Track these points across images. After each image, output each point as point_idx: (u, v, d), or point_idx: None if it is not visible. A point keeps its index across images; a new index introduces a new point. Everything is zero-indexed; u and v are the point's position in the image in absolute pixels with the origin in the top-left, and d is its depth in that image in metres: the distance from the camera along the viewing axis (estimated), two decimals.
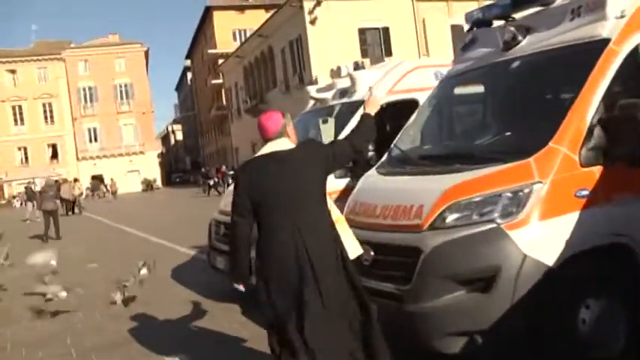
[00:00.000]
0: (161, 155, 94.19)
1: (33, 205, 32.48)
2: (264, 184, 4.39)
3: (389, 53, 39.42)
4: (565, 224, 4.77)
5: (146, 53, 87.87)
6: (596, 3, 5.33)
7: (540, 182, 4.81)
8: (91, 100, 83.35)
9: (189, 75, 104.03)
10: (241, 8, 70.09)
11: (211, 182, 47.23)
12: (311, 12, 40.73)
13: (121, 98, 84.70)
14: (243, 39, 63.13)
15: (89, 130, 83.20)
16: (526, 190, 4.82)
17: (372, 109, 5.01)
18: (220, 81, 70.93)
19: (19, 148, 79.79)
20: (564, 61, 5.53)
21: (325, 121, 8.92)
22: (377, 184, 6.29)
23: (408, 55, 31.13)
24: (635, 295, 4.94)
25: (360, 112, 5.38)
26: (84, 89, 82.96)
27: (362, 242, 5.40)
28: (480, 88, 6.96)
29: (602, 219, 4.84)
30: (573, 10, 5.55)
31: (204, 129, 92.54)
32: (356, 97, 8.65)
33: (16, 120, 79.82)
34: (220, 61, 67.61)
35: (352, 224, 5.83)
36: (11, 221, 37.02)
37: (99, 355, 7.28)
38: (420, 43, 42.77)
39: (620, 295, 4.93)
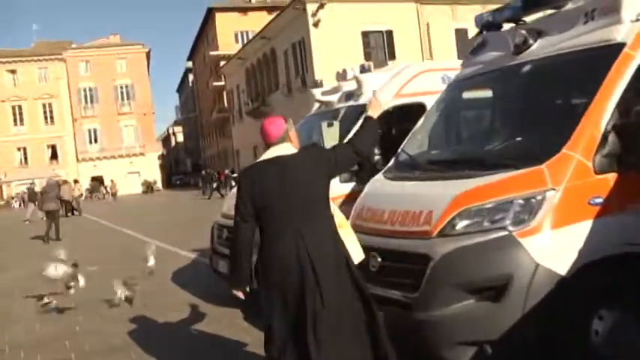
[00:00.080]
0: (162, 157, 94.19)
1: (35, 206, 32.29)
2: (266, 189, 4.38)
3: (392, 57, 39.31)
4: (578, 233, 4.66)
5: (147, 54, 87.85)
6: (610, 6, 5.20)
7: (553, 189, 4.71)
8: (92, 101, 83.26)
9: (191, 77, 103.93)
10: (244, 10, 70.04)
11: (214, 185, 47.02)
12: (314, 14, 40.58)
13: (122, 99, 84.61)
14: (245, 41, 63.08)
15: (89, 131, 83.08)
16: (538, 197, 4.71)
17: (375, 113, 4.94)
18: (222, 83, 70.87)
19: (19, 149, 79.62)
20: (578, 66, 5.40)
21: (330, 125, 8.81)
22: (384, 189, 6.19)
23: (412, 59, 30.97)
24: None
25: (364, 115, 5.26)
26: (84, 90, 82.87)
27: (369, 248, 5.35)
28: (489, 93, 6.86)
29: (615, 228, 4.73)
30: (587, 13, 5.43)
31: (205, 131, 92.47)
32: (362, 101, 8.52)
33: (15, 120, 79.67)
34: (222, 63, 67.54)
35: (359, 229, 5.77)
36: (11, 222, 37.06)
37: (98, 358, 7.19)
38: (423, 46, 42.65)
39: (633, 306, 4.81)
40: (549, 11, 5.98)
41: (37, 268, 9.91)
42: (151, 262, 9.83)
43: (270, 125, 4.55)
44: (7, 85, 78.77)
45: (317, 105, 9.99)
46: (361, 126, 4.92)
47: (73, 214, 37.02)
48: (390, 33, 42.20)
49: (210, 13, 72.65)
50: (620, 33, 5.07)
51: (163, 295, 10.14)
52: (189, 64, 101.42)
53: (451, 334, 4.72)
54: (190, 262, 13.49)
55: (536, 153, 5.00)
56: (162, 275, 11.71)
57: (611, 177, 4.81)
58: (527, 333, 4.51)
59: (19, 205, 65.83)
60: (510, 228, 4.69)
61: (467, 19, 41.25)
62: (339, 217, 4.81)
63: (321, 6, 40.32)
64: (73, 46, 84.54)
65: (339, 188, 7.69)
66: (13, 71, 79.40)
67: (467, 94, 6.97)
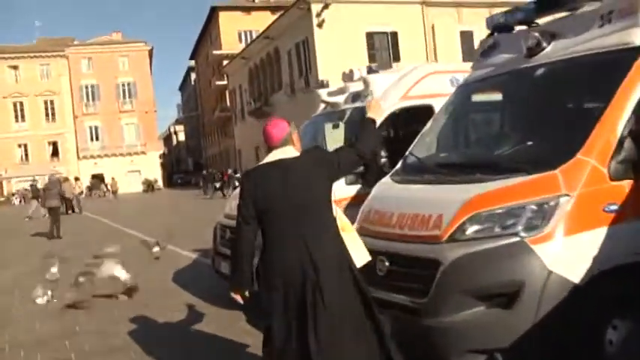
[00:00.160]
0: (163, 156, 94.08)
1: (38, 203, 32.25)
2: (268, 193, 4.37)
3: (397, 58, 39.15)
4: (592, 240, 4.57)
5: (150, 52, 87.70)
6: (628, 9, 5.10)
7: (567, 195, 4.61)
8: (93, 99, 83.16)
9: (193, 75, 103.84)
10: (247, 9, 69.95)
11: (218, 184, 46.91)
12: (319, 14, 40.42)
13: (124, 97, 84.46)
14: (248, 40, 62.94)
15: (90, 128, 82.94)
16: (552, 203, 4.62)
17: (375, 114, 4.91)
18: (224, 82, 70.75)
19: (20, 145, 79.40)
20: (593, 69, 5.29)
21: (336, 126, 8.73)
22: (393, 192, 6.07)
23: (416, 61, 30.96)
24: None
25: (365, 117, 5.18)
26: (86, 87, 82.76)
27: (377, 252, 5.30)
28: (500, 95, 6.74)
29: (630, 236, 4.63)
30: (603, 16, 5.33)
31: (207, 130, 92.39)
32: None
33: (17, 116, 79.45)
34: (225, 62, 67.43)
35: (366, 233, 5.71)
36: (11, 219, 37.00)
37: (98, 358, 7.13)
38: (428, 48, 42.54)
39: None
40: (563, 14, 5.89)
41: (38, 266, 9.83)
42: (157, 248, 9.94)
43: (274, 128, 4.54)
44: (9, 81, 78.65)
45: (322, 106, 9.87)
46: (362, 128, 4.89)
47: (73, 211, 36.91)
48: (394, 34, 42.02)
49: (213, 12, 72.52)
50: (637, 36, 4.97)
51: (164, 295, 10.05)
52: (192, 62, 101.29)
53: (461, 342, 4.62)
54: (192, 263, 13.38)
55: (550, 158, 4.89)
56: (163, 275, 11.66)
57: (627, 184, 4.71)
58: (539, 341, 4.41)
59: (20, 201, 65.81)
60: (522, 234, 4.60)
61: (472, 21, 41.63)
62: (342, 221, 4.77)
63: (326, 6, 40.14)
64: (75, 42, 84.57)
65: (344, 190, 7.63)
66: (14, 67, 79.28)
67: (477, 97, 6.87)
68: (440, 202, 5.20)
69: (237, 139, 65.25)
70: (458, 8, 42.87)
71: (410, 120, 8.29)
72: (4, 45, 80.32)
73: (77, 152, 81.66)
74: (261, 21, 59.90)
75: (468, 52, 38.52)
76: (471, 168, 5.60)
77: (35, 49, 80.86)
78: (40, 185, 37.18)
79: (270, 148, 4.55)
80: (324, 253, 4.28)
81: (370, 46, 41.59)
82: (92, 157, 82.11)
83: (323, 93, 9.75)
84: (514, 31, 6.40)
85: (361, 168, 7.75)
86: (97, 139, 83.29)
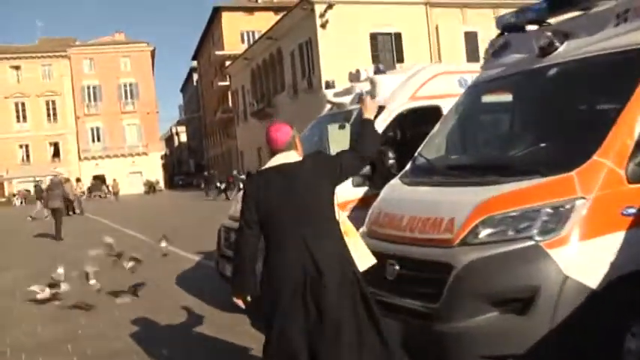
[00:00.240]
0: (164, 157, 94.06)
1: (41, 204, 32.21)
2: (272, 198, 4.35)
3: (400, 59, 39.12)
4: (609, 244, 4.46)
5: (152, 53, 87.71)
6: None
7: (583, 198, 4.50)
8: (95, 99, 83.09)
9: (195, 76, 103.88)
10: (250, 10, 69.97)
11: (223, 186, 46.86)
12: (322, 15, 40.39)
13: (126, 98, 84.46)
14: (251, 41, 63.01)
15: (92, 129, 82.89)
16: (567, 206, 4.51)
17: (371, 114, 4.86)
18: (227, 83, 70.78)
19: (21, 146, 79.44)
20: (609, 69, 5.17)
21: (342, 127, 8.61)
22: (402, 194, 5.96)
23: (420, 62, 31.01)
24: None
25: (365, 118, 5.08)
26: (88, 88, 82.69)
27: (386, 255, 5.23)
28: (511, 96, 6.61)
29: None
30: (619, 14, 5.22)
31: (208, 131, 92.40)
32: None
33: (18, 117, 79.53)
34: (227, 62, 67.41)
35: (375, 235, 5.66)
36: (13, 220, 36.92)
37: None
38: (432, 49, 42.49)
39: None
40: (576, 13, 5.78)
41: (40, 268, 9.75)
42: (164, 244, 9.97)
43: (277, 132, 4.51)
44: (11, 81, 78.67)
45: (329, 106, 9.77)
46: (362, 130, 4.81)
47: (74, 212, 36.83)
48: (398, 35, 42.01)
49: (216, 13, 72.57)
50: None
51: (167, 298, 9.93)
52: (194, 63, 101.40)
53: (474, 348, 4.52)
54: (195, 265, 13.25)
55: (565, 159, 4.79)
56: (166, 278, 11.57)
57: None
58: (555, 348, 4.31)
59: (21, 202, 65.74)
60: (537, 238, 4.49)
61: (477, 22, 41.65)
62: (345, 225, 4.74)
63: (330, 7, 40.11)
64: (77, 43, 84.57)
65: (351, 192, 7.56)
66: (16, 67, 79.33)
67: (487, 98, 6.74)
68: (451, 205, 5.09)
69: (240, 141, 65.23)
70: (462, 9, 42.85)
71: (418, 121, 8.21)
72: (6, 45, 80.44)
73: (78, 153, 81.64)
74: (263, 21, 60.01)
75: (472, 53, 38.51)
76: (482, 170, 5.48)
77: (37, 49, 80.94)
78: (44, 186, 37.18)
79: (273, 152, 4.51)
80: (326, 256, 4.24)
81: (374, 47, 41.54)
82: (93, 158, 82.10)
83: (329, 93, 9.65)
84: (525, 31, 6.27)
85: (368, 169, 7.68)
86: (98, 140, 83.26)
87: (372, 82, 8.53)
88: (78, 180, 49.32)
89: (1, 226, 33.12)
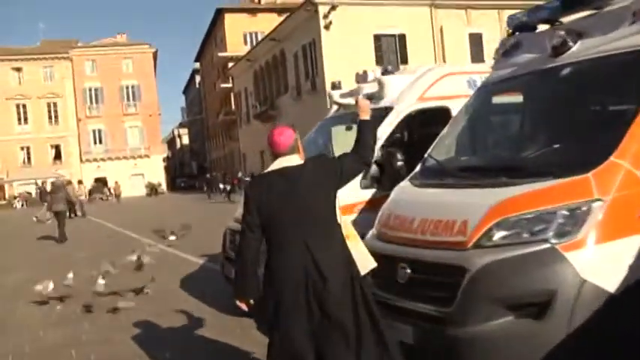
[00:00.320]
0: (166, 159, 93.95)
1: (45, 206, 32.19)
2: (273, 201, 4.37)
3: (405, 61, 38.99)
4: (627, 247, 4.36)
5: (154, 54, 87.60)
6: None
7: (600, 200, 4.40)
8: (97, 101, 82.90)
9: (198, 78, 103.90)
10: (253, 11, 70.06)
11: (227, 187, 46.81)
12: (326, 16, 40.31)
13: (128, 100, 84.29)
14: (254, 42, 63.05)
15: (94, 131, 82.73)
16: (584, 208, 4.41)
17: (367, 115, 4.81)
18: (229, 85, 70.81)
19: (22, 148, 79.24)
20: (625, 68, 5.04)
21: (349, 128, 8.54)
22: (413, 197, 5.86)
23: (425, 64, 30.99)
24: None
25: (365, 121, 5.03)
26: (90, 90, 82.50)
27: (397, 259, 5.17)
28: (523, 96, 6.50)
29: None
30: (635, 13, 5.09)
31: (211, 133, 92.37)
32: (384, 103, 8.24)
33: (19, 119, 79.37)
34: (230, 64, 67.40)
35: (386, 238, 5.59)
36: (15, 223, 36.85)
37: None
38: (437, 51, 42.44)
39: None
40: (589, 12, 5.66)
41: (43, 271, 9.68)
42: (172, 237, 10.00)
43: (280, 136, 4.51)
44: (12, 83, 78.54)
45: (335, 107, 9.68)
46: (359, 132, 4.77)
47: (75, 215, 36.73)
48: (402, 37, 41.94)
49: (219, 14, 72.64)
50: None
51: (172, 302, 9.79)
52: (197, 65, 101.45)
53: (489, 353, 4.44)
54: (199, 268, 13.16)
55: (581, 161, 4.68)
56: (171, 282, 11.49)
57: None
58: (571, 353, 4.22)
59: (22, 205, 65.60)
60: (553, 240, 4.40)
61: (481, 23, 41.68)
62: (347, 228, 4.76)
63: (333, 8, 40.03)
64: (79, 45, 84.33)
65: (359, 195, 7.48)
66: (18, 69, 79.21)
67: (499, 98, 6.64)
68: (464, 207, 5.00)
69: (242, 143, 65.20)
70: (467, 10, 42.78)
71: (426, 122, 8.13)
72: (8, 47, 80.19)
73: (80, 155, 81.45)
74: (267, 23, 60.01)
75: (476, 55, 38.47)
76: (495, 171, 5.36)
77: (39, 51, 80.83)
78: (49, 188, 37.16)
79: (275, 156, 4.52)
80: (328, 258, 4.26)
81: (378, 48, 41.49)
82: (95, 160, 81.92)
83: (335, 94, 9.55)
84: (537, 30, 6.17)
85: (376, 171, 7.60)
86: (100, 142, 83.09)
87: (380, 83, 8.44)
88: (80, 182, 49.31)
89: (3, 229, 33.01)
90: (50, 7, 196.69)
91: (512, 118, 6.75)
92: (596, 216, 4.37)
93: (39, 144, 79.09)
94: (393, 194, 6.18)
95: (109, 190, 72.27)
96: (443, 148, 6.51)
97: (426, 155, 6.44)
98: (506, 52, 6.37)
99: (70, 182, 41.00)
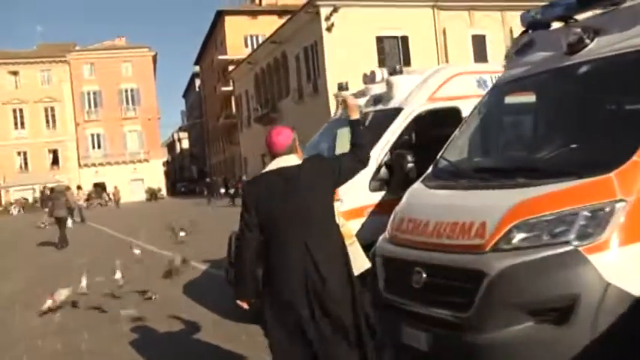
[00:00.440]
0: (166, 164, 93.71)
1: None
2: (272, 202, 4.39)
3: (407, 63, 38.82)
4: None
5: (154, 58, 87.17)
6: None
7: (623, 200, 4.28)
8: (95, 105, 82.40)
9: (198, 81, 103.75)
10: (254, 13, 69.97)
11: (232, 191, 46.64)
12: (328, 18, 40.14)
13: (127, 103, 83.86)
14: (255, 45, 62.96)
15: (92, 135, 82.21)
16: (607, 209, 4.29)
17: (356, 114, 4.82)
18: (230, 88, 70.69)
19: (19, 153, 78.30)
20: None
21: None
22: (427, 199, 5.73)
23: (427, 66, 30.90)
24: None
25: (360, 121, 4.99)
26: (88, 93, 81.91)
27: (412, 263, 5.05)
28: (538, 95, 6.35)
29: None
30: None
31: (211, 137, 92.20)
32: (392, 104, 8.14)
33: (16, 123, 78.50)
34: (231, 67, 67.32)
35: (399, 242, 5.47)
36: (14, 229, 36.69)
37: None
38: (440, 53, 42.31)
39: None
40: (606, 9, 5.53)
41: (45, 278, 9.53)
42: (183, 233, 9.96)
43: (278, 135, 4.56)
44: (9, 87, 77.72)
45: (341, 109, 9.56)
46: (353, 132, 4.78)
47: (74, 221, 36.50)
48: (405, 39, 41.80)
49: (219, 17, 72.49)
50: None
51: (176, 309, 9.60)
52: (197, 68, 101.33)
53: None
54: (202, 274, 13.01)
55: (603, 160, 4.56)
56: (174, 288, 11.32)
57: None
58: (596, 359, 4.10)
59: (19, 211, 65.19)
60: (575, 243, 4.27)
61: (484, 25, 41.71)
62: (344, 228, 4.79)
63: (335, 10, 39.88)
64: (77, 48, 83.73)
65: (369, 197, 7.42)
66: (15, 73, 78.32)
67: (513, 97, 6.49)
68: (481, 209, 4.87)
69: (243, 147, 65.04)
70: (470, 12, 42.69)
71: (436, 123, 8.01)
72: (4, 50, 79.71)
73: (78, 160, 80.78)
74: (267, 25, 59.94)
75: (479, 56, 38.40)
76: (511, 172, 5.22)
77: (36, 54, 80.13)
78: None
79: (273, 156, 4.56)
80: (327, 258, 4.29)
81: (380, 50, 41.30)
82: (94, 165, 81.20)
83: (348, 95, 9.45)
84: (551, 28, 6.04)
85: (385, 173, 7.50)
86: (98, 146, 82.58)
87: (389, 84, 8.36)
88: (79, 188, 48.96)
89: (2, 235, 32.87)
90: (48, 10, 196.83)
91: (527, 118, 6.62)
92: (619, 217, 4.26)
93: (36, 149, 78.30)
94: (405, 197, 6.05)
95: (108, 195, 71.96)
96: (456, 149, 6.38)
97: (438, 157, 6.32)
98: (519, 50, 6.24)
99: (68, 188, 40.90)
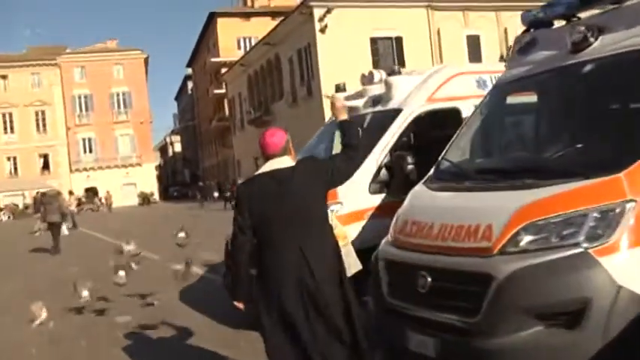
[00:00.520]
0: (159, 167, 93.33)
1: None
2: (265, 204, 4.42)
3: (402, 63, 38.62)
4: None
5: (146, 60, 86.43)
6: None
7: (633, 200, 4.21)
8: (87, 109, 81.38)
9: (190, 84, 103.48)
10: (246, 15, 69.86)
11: (227, 194, 46.60)
12: (321, 19, 40.14)
13: (118, 107, 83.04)
14: (247, 47, 62.99)
15: (84, 140, 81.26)
16: (617, 210, 4.22)
17: (344, 115, 4.88)
18: (223, 91, 70.64)
19: (8, 158, 77.30)
20: None
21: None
22: (431, 201, 5.63)
23: (422, 66, 30.83)
24: None
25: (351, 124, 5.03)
26: (79, 97, 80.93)
27: (417, 267, 4.97)
28: (541, 95, 6.28)
29: None
30: None
31: (204, 140, 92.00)
32: (391, 105, 8.06)
33: (5, 128, 77.47)
34: (223, 70, 67.22)
35: (403, 245, 5.38)
36: (4, 235, 36.49)
37: None
38: (434, 53, 42.35)
39: None
40: (609, 6, 5.46)
41: (41, 286, 9.41)
42: (182, 234, 9.90)
43: (272, 137, 4.59)
44: None
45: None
46: (341, 133, 4.84)
47: (68, 227, 36.26)
48: (399, 39, 41.85)
49: (211, 19, 72.30)
50: None
51: (173, 316, 9.42)
52: (189, 70, 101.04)
53: None
54: (198, 280, 12.84)
55: (611, 160, 4.50)
56: (170, 295, 11.17)
57: None
58: None
59: (9, 217, 64.56)
60: (585, 245, 4.20)
61: (479, 25, 41.80)
62: (337, 229, 4.87)
63: (328, 11, 39.89)
64: (68, 51, 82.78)
65: (369, 200, 7.35)
66: (3, 77, 77.20)
67: (515, 98, 6.42)
68: (487, 211, 4.78)
69: (236, 150, 64.90)
70: (464, 12, 42.77)
71: (436, 124, 7.95)
72: None
73: (69, 165, 79.81)
74: (260, 27, 59.77)
75: (474, 57, 38.46)
76: (517, 173, 5.16)
77: (26, 57, 79.16)
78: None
79: (266, 158, 4.58)
80: (321, 260, 4.33)
81: (374, 51, 41.34)
82: (85, 169, 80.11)
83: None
84: (553, 27, 5.99)
85: (386, 175, 7.43)
86: (90, 151, 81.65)
87: (387, 84, 8.30)
88: (71, 193, 48.66)
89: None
90: (37, 13, 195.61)
91: (531, 118, 6.54)
92: (629, 218, 4.19)
93: (26, 154, 77.22)
94: (408, 199, 5.96)
95: (100, 200, 71.56)
96: (458, 150, 6.29)
97: (440, 158, 6.23)
98: (521, 49, 6.17)
99: (59, 193, 40.64)
